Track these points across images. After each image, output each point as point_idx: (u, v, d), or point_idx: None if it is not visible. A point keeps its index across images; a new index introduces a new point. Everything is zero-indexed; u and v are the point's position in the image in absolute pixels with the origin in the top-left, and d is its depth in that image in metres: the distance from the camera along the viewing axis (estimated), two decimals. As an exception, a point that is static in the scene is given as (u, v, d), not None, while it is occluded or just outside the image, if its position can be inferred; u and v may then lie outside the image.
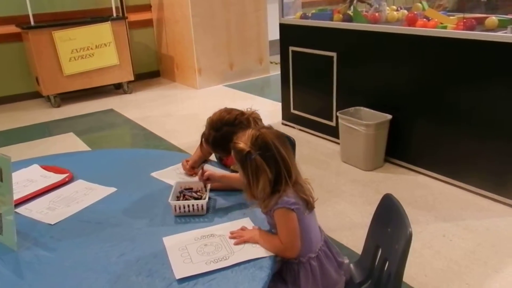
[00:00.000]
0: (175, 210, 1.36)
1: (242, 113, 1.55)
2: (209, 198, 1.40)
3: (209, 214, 1.37)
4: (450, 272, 2.03)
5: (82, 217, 1.38)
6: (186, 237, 1.25)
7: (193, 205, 1.35)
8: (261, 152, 1.19)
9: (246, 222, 1.31)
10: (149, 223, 1.33)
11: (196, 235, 1.26)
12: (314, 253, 1.28)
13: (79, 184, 1.59)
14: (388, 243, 1.30)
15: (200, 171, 1.49)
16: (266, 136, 1.21)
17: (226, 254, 1.17)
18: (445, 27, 2.70)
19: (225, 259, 1.14)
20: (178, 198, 1.42)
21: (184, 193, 1.44)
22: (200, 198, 1.41)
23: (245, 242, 1.21)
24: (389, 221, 1.32)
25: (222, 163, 1.81)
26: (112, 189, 1.54)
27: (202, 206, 1.36)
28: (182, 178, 1.62)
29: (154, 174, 1.66)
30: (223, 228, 1.29)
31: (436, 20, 2.80)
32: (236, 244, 1.20)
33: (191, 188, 1.48)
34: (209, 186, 1.46)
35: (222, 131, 1.51)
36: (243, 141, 1.21)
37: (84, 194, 1.52)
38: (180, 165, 1.71)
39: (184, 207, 1.35)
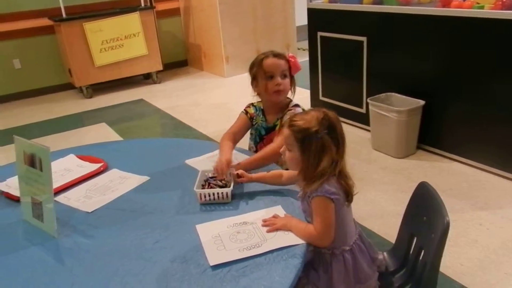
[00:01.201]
0: (200, 198, 1.37)
1: None
2: (234, 185, 1.41)
3: (235, 201, 1.37)
4: (487, 261, 1.97)
5: (118, 205, 1.41)
6: (218, 225, 1.26)
7: (218, 193, 1.36)
8: (328, 131, 1.19)
9: (278, 210, 1.31)
10: (181, 211, 1.35)
11: (229, 222, 1.27)
12: (348, 246, 1.26)
13: (114, 173, 1.63)
14: (423, 232, 1.27)
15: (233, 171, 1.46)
16: (332, 118, 1.22)
17: (259, 241, 1.17)
18: (482, 7, 2.58)
19: (258, 246, 1.14)
20: (203, 186, 1.43)
21: (209, 181, 1.45)
22: (225, 186, 1.41)
23: (277, 229, 1.21)
24: (425, 209, 1.29)
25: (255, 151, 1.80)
26: (145, 178, 1.57)
27: (227, 194, 1.36)
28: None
29: (188, 161, 1.67)
30: (256, 215, 1.29)
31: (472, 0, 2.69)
32: (268, 231, 1.20)
33: (215, 176, 1.47)
34: (234, 171, 1.45)
35: None
36: (307, 120, 1.21)
37: (119, 182, 1.55)
38: (213, 153, 1.70)
39: (209, 195, 1.36)
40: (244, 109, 1.80)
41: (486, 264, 1.96)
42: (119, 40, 5.11)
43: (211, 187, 1.41)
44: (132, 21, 5.12)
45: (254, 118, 1.77)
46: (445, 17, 2.72)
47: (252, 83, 1.74)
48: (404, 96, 3.05)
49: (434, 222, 1.20)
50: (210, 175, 1.49)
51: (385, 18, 3.12)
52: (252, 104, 1.80)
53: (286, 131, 1.24)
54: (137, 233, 1.25)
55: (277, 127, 1.73)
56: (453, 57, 2.76)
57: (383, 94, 3.15)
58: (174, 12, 6.01)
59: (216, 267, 1.07)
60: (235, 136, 1.71)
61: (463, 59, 2.71)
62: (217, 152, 1.69)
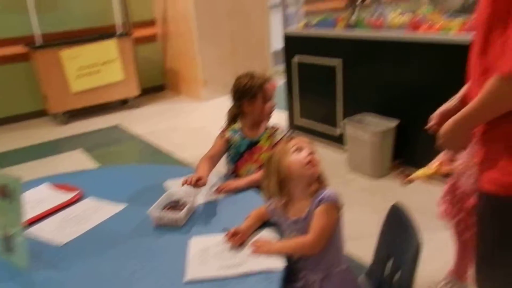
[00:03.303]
0: (153, 221, 1.39)
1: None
2: (195, 211, 1.46)
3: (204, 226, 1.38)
4: (463, 279, 2.00)
5: (93, 235, 1.39)
6: (212, 239, 1.29)
7: (169, 217, 1.39)
8: None
9: (272, 233, 1.32)
10: (159, 240, 1.34)
11: (221, 239, 1.29)
12: (344, 265, 1.28)
13: (89, 202, 1.61)
14: (398, 252, 1.29)
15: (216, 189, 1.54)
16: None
17: (238, 262, 1.18)
18: (449, 31, 2.70)
19: (236, 267, 1.16)
20: (163, 209, 1.45)
21: (168, 206, 1.47)
22: (180, 210, 1.42)
23: (262, 253, 1.21)
24: (398, 230, 1.31)
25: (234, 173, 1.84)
26: (122, 206, 1.55)
27: (177, 219, 1.38)
28: (190, 189, 1.64)
29: (167, 183, 1.69)
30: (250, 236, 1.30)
31: (440, 24, 2.80)
32: (252, 253, 1.21)
33: (180, 200, 1.50)
34: (195, 200, 1.49)
35: None
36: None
37: (94, 211, 1.53)
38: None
39: (162, 219, 1.39)
40: (221, 133, 1.84)
41: (463, 282, 1.98)
42: (95, 66, 5.09)
43: (170, 210, 1.44)
44: (109, 48, 5.13)
45: (231, 140, 1.81)
46: (415, 40, 2.83)
47: (244, 102, 1.79)
48: (378, 116, 3.12)
49: (407, 243, 1.22)
50: (175, 198, 1.51)
51: (358, 43, 3.22)
52: (228, 127, 1.85)
53: (307, 139, 1.32)
54: (113, 264, 1.23)
55: (262, 143, 1.79)
56: (423, 77, 2.86)
57: (358, 115, 3.22)
58: (152, 38, 6.05)
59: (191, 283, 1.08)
60: (212, 159, 1.76)
61: (432, 80, 2.81)
62: None
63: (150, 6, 5.96)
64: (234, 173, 1.83)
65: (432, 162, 1.69)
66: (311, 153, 1.29)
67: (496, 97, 1.04)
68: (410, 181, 1.60)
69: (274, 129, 1.82)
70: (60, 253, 1.31)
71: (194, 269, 1.15)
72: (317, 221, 1.22)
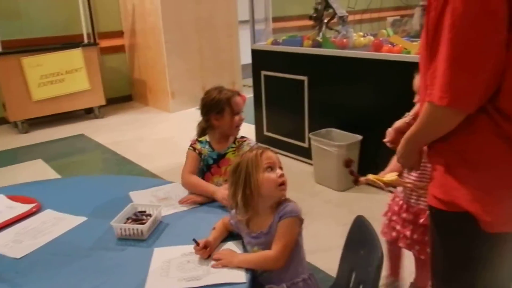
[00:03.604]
0: (116, 233, 1.37)
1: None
2: (160, 223, 1.44)
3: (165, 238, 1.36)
4: None
5: (50, 249, 1.34)
6: (175, 251, 1.28)
7: (133, 229, 1.36)
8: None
9: (237, 245, 1.32)
10: (121, 253, 1.31)
11: (185, 250, 1.27)
12: (306, 274, 1.29)
13: (47, 214, 1.55)
14: (361, 265, 1.32)
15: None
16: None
17: (200, 274, 1.17)
18: (409, 52, 2.82)
19: (197, 279, 1.14)
20: (127, 221, 1.42)
21: (132, 217, 1.44)
22: (144, 222, 1.40)
23: (223, 266, 1.20)
24: (361, 243, 1.34)
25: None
26: (82, 219, 1.51)
27: (141, 231, 1.35)
28: (155, 201, 1.62)
29: (131, 193, 1.66)
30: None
31: (400, 45, 2.92)
32: (214, 266, 1.20)
33: (145, 212, 1.48)
34: (159, 212, 1.48)
35: None
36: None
37: (53, 224, 1.48)
38: (159, 187, 1.75)
39: (124, 230, 1.36)
40: (191, 146, 1.82)
41: None
42: (59, 75, 4.96)
43: (134, 222, 1.41)
44: (74, 57, 5.02)
45: (201, 152, 1.80)
46: (378, 60, 2.93)
47: (211, 116, 1.79)
48: (343, 132, 3.19)
49: (370, 256, 1.25)
50: (140, 209, 1.48)
51: (324, 60, 3.30)
52: (197, 140, 1.83)
53: (277, 156, 1.31)
54: (72, 279, 1.19)
55: (229, 155, 1.79)
56: (386, 95, 2.96)
57: (324, 129, 3.29)
58: (119, 49, 5.98)
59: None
60: (194, 173, 1.75)
61: (394, 97, 2.91)
62: (164, 186, 1.76)
63: (118, 18, 5.90)
64: None
65: (386, 171, 1.71)
66: (282, 174, 1.28)
67: (429, 122, 1.08)
68: (361, 182, 1.63)
69: (241, 141, 1.83)
70: (15, 267, 1.25)
71: (155, 281, 1.14)
72: (280, 237, 1.22)
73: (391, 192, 1.72)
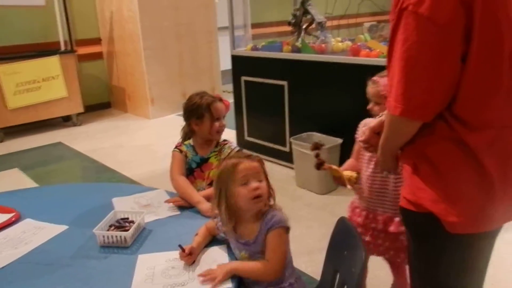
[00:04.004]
0: (99, 240, 1.35)
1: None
2: (143, 229, 1.44)
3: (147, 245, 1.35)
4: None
5: (31, 259, 1.32)
6: (159, 257, 1.27)
7: (115, 236, 1.35)
8: None
9: (221, 250, 1.31)
10: (103, 262, 1.29)
11: (169, 256, 1.27)
12: (293, 278, 1.28)
13: (27, 224, 1.52)
14: (345, 266, 1.33)
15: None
16: None
17: (185, 280, 1.17)
18: (385, 57, 2.88)
19: (182, 285, 1.14)
20: (109, 228, 1.41)
21: (114, 224, 1.43)
22: (127, 229, 1.39)
23: (220, 281, 1.15)
24: (345, 244, 1.36)
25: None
26: (63, 227, 1.48)
27: (124, 238, 1.35)
28: (138, 207, 1.61)
29: (114, 200, 1.66)
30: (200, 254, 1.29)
31: (378, 50, 2.98)
32: (215, 286, 1.14)
33: (127, 218, 1.47)
34: (143, 218, 1.47)
35: None
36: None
37: (33, 233, 1.45)
38: (142, 194, 1.74)
39: (107, 238, 1.35)
40: (177, 148, 1.82)
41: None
42: (36, 83, 4.87)
43: (117, 229, 1.40)
44: (51, 64, 4.94)
45: (187, 155, 1.80)
46: (356, 64, 2.98)
47: (192, 121, 1.80)
48: (324, 135, 3.23)
49: (353, 256, 1.27)
50: (122, 216, 1.47)
51: (303, 65, 3.34)
52: (183, 142, 1.84)
53: (255, 164, 1.27)
54: (54, 288, 1.17)
55: (211, 160, 1.79)
56: (365, 98, 3.00)
57: (305, 133, 3.32)
58: (97, 56, 5.91)
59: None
60: (183, 175, 1.75)
61: (373, 102, 2.97)
62: (146, 193, 1.74)
63: (96, 25, 5.84)
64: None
65: (343, 168, 1.72)
66: (258, 186, 1.23)
67: (390, 130, 1.13)
68: (324, 168, 1.63)
69: (223, 144, 1.83)
70: (-5, 278, 1.23)
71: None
72: (275, 249, 1.22)
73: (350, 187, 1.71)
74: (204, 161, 1.80)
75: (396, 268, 1.85)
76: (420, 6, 0.96)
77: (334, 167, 1.67)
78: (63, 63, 5.01)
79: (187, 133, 1.85)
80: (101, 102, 6.05)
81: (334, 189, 3.20)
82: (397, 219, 1.63)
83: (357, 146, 1.78)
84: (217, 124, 1.78)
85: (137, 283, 1.16)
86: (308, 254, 2.43)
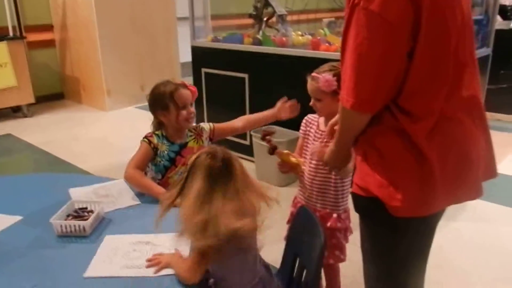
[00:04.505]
0: (57, 230, 1.32)
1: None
2: (102, 219, 1.41)
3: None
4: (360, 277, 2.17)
5: (-16, 250, 1.26)
6: (124, 239, 1.29)
7: (74, 225, 1.32)
8: None
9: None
10: (61, 251, 1.26)
11: (134, 239, 1.28)
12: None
13: (-23, 215, 1.45)
14: (305, 251, 1.37)
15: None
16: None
17: (142, 263, 1.18)
18: (344, 51, 2.96)
19: (138, 268, 1.15)
20: (67, 218, 1.38)
21: (72, 214, 1.40)
22: (85, 219, 1.36)
23: (162, 268, 1.16)
24: (305, 230, 1.40)
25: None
26: (17, 218, 1.43)
27: (83, 227, 1.32)
28: (96, 198, 1.57)
29: (71, 190, 1.61)
30: (164, 238, 1.27)
31: (337, 44, 3.06)
32: (156, 272, 1.15)
33: (86, 208, 1.44)
34: (102, 208, 1.44)
35: None
36: None
37: (-16, 225, 1.38)
38: (101, 185, 1.68)
39: (65, 227, 1.32)
40: (147, 138, 1.74)
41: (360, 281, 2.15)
42: (-18, 70, 4.61)
43: (75, 218, 1.37)
44: (-2, 50, 4.68)
45: (158, 148, 1.73)
46: (316, 58, 3.04)
47: (158, 113, 1.75)
48: (284, 129, 3.27)
49: (312, 241, 1.31)
50: (80, 206, 1.44)
51: (264, 57, 3.36)
52: (154, 133, 1.76)
53: None
54: (10, 279, 1.13)
55: (191, 144, 1.78)
56: (324, 93, 3.08)
57: (265, 127, 3.34)
58: (49, 43, 5.65)
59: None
60: (140, 169, 1.67)
61: (332, 96, 3.05)
62: (106, 184, 1.69)
63: (47, 11, 5.57)
64: (161, 180, 1.73)
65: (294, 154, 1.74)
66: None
67: (343, 122, 1.18)
68: (276, 153, 1.68)
69: (197, 127, 1.82)
70: None
71: (96, 267, 1.15)
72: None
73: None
74: (182, 146, 1.76)
75: (329, 270, 1.84)
76: (371, 3, 1.00)
77: (286, 151, 1.70)
78: (11, 50, 4.76)
79: (156, 126, 1.78)
80: (54, 93, 5.80)
81: (294, 181, 3.25)
82: (335, 215, 1.68)
83: (300, 141, 1.82)
84: (184, 112, 1.72)
85: (96, 262, 1.17)
86: (270, 244, 2.45)
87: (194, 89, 1.81)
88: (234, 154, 1.17)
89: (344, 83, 1.10)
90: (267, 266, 1.34)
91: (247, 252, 1.21)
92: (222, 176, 1.10)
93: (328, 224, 1.68)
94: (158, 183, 1.68)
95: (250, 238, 1.17)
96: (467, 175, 1.16)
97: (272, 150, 1.67)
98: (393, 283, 1.28)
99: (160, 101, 1.73)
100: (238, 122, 2.02)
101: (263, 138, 1.74)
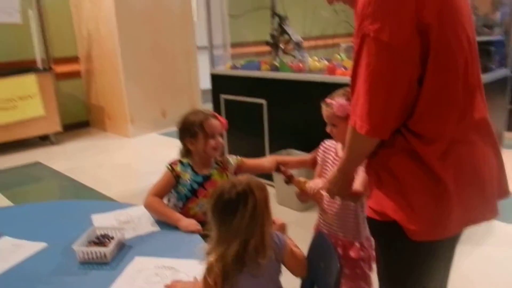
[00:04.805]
0: (79, 257, 1.36)
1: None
2: (122, 246, 1.45)
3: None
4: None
5: (9, 277, 1.31)
6: (152, 262, 1.33)
7: (95, 252, 1.36)
8: None
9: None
10: (84, 277, 1.30)
11: (159, 263, 1.33)
12: None
13: (5, 242, 1.51)
14: (321, 278, 1.37)
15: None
16: None
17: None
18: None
19: None
20: (89, 244, 1.42)
21: (94, 241, 1.44)
22: (106, 245, 1.40)
23: None
24: (321, 257, 1.40)
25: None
26: (42, 244, 1.48)
27: (104, 254, 1.36)
28: (117, 224, 1.62)
29: (94, 216, 1.66)
30: (185, 265, 1.30)
31: (352, 69, 3.09)
32: None
33: (107, 234, 1.47)
34: (122, 234, 1.48)
35: None
36: None
37: (11, 252, 1.44)
38: (123, 211, 1.72)
39: (87, 254, 1.36)
40: (170, 166, 1.75)
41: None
42: (12, 102, 4.82)
43: (97, 245, 1.41)
44: (27, 83, 4.91)
45: (180, 176, 1.73)
46: (332, 83, 3.07)
47: (186, 140, 1.75)
48: (302, 152, 3.29)
49: (329, 267, 1.31)
50: (102, 232, 1.48)
51: (281, 83, 3.42)
52: (179, 161, 1.77)
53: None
54: (33, 305, 1.17)
55: (215, 177, 1.76)
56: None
57: (284, 150, 3.38)
58: (75, 74, 5.91)
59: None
60: (159, 196, 1.70)
61: (349, 119, 3.06)
62: (127, 209, 1.74)
63: (74, 43, 5.84)
64: (182, 210, 1.73)
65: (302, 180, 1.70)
66: None
67: (353, 145, 1.19)
68: (294, 181, 1.65)
69: (223, 159, 1.80)
70: (-28, 297, 1.22)
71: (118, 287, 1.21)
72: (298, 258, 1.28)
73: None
74: (206, 178, 1.75)
75: None
76: (381, 33, 1.03)
77: (303, 179, 1.68)
78: (40, 82, 4.98)
79: (183, 153, 1.79)
80: (80, 121, 6.01)
81: (314, 205, 3.24)
82: (357, 244, 1.65)
83: (318, 169, 1.79)
84: (212, 141, 1.72)
85: (119, 283, 1.23)
86: (286, 270, 2.45)
87: (224, 121, 1.81)
88: (263, 190, 1.18)
89: (355, 110, 1.12)
90: None
91: (261, 278, 1.20)
92: (229, 209, 1.12)
93: (352, 254, 1.65)
94: (180, 212, 1.70)
95: (256, 264, 1.14)
96: (482, 195, 1.16)
97: (289, 180, 1.66)
98: None
99: (189, 129, 1.73)
100: (267, 162, 1.97)
101: (277, 170, 1.74)
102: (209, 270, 1.11)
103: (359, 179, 1.48)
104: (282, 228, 1.40)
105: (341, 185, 1.34)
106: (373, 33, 1.04)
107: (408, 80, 1.07)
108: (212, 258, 1.11)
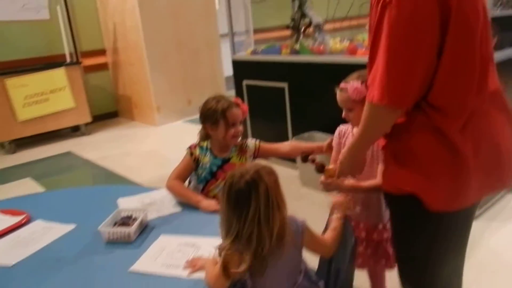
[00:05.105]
0: (104, 237, 1.43)
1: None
2: (146, 226, 1.51)
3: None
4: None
5: (41, 256, 1.39)
6: (175, 240, 1.39)
7: (119, 232, 1.42)
8: None
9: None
10: (109, 256, 1.36)
11: (182, 241, 1.38)
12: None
13: (37, 224, 1.60)
14: (338, 255, 1.39)
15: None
16: None
17: (182, 264, 1.25)
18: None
19: (176, 267, 1.24)
20: (114, 225, 1.48)
21: (119, 222, 1.50)
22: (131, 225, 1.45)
23: (197, 270, 1.21)
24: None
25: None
26: (71, 226, 1.56)
27: (128, 233, 1.41)
28: (141, 206, 1.67)
29: (120, 200, 1.73)
30: (207, 242, 1.33)
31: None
32: (191, 273, 1.21)
33: (131, 216, 1.53)
34: (145, 215, 1.53)
35: None
36: None
37: (43, 233, 1.53)
38: (148, 194, 1.77)
39: (112, 234, 1.42)
40: (190, 150, 1.80)
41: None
42: (44, 95, 5.01)
43: (121, 226, 1.47)
44: (57, 76, 5.08)
45: (199, 159, 1.77)
46: (353, 63, 3.04)
47: (207, 126, 1.77)
48: (325, 134, 3.28)
49: (345, 242, 1.33)
50: (126, 214, 1.54)
51: (302, 66, 3.40)
52: (198, 144, 1.81)
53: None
54: (63, 283, 1.24)
55: (234, 160, 1.78)
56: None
57: (306, 133, 3.38)
58: (102, 66, 6.06)
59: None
60: (181, 179, 1.75)
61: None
62: (150, 192, 1.80)
63: (100, 37, 5.98)
64: (202, 192, 1.78)
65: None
66: None
67: (371, 121, 1.17)
68: (324, 171, 1.56)
69: (242, 143, 1.82)
70: (8, 274, 1.30)
71: (142, 263, 1.27)
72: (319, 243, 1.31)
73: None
74: (225, 161, 1.78)
75: (375, 279, 1.83)
76: (402, 0, 1.02)
77: (332, 166, 1.58)
78: (69, 75, 5.14)
79: (203, 136, 1.82)
80: (108, 112, 6.18)
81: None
82: (380, 226, 1.64)
83: (334, 154, 1.76)
84: (232, 130, 1.74)
85: (143, 259, 1.29)
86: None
87: (246, 108, 1.82)
88: (272, 174, 1.19)
89: (374, 81, 1.10)
90: (309, 276, 1.32)
91: (281, 262, 1.19)
92: (242, 199, 1.11)
93: (374, 236, 1.66)
94: (201, 192, 1.76)
95: (277, 250, 1.15)
96: (498, 165, 1.16)
97: (321, 168, 1.57)
98: (429, 280, 1.26)
99: (211, 116, 1.75)
100: (285, 147, 1.98)
101: (305, 160, 1.69)
102: (228, 261, 1.10)
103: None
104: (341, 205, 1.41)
105: (352, 164, 1.34)
106: (395, 1, 1.03)
107: (429, 48, 1.05)
108: (230, 251, 1.10)
